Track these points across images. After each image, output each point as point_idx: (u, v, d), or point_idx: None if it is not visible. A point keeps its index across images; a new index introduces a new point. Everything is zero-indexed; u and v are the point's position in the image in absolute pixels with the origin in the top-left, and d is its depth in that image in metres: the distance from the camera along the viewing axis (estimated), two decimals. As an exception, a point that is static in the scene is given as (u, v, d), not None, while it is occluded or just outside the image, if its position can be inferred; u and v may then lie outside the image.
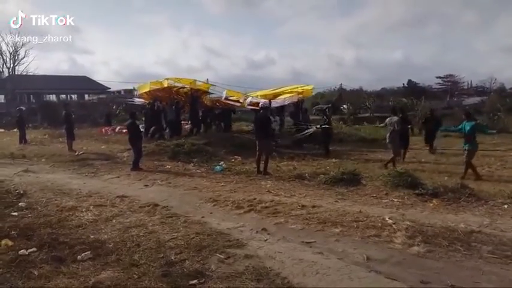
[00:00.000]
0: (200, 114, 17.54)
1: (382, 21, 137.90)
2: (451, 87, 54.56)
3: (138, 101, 21.38)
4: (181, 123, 17.11)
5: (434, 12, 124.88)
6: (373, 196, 7.22)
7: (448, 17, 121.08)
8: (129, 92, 46.69)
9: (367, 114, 32.03)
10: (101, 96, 44.53)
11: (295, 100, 16.53)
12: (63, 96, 47.30)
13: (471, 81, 58.10)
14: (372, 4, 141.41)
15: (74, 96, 48.18)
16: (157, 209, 6.39)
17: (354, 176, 8.35)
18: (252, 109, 16.31)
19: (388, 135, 10.50)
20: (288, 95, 16.66)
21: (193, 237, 4.87)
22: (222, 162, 11.11)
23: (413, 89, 45.37)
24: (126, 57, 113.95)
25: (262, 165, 9.68)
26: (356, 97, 38.76)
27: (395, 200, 6.87)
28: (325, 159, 12.14)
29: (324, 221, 5.63)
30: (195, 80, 16.48)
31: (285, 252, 4.43)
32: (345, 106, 34.50)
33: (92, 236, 5.04)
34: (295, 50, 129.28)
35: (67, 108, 15.61)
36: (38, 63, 57.46)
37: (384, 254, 4.41)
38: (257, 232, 5.20)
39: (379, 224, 5.37)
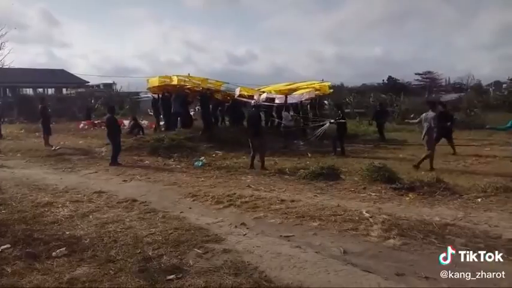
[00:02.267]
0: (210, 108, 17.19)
1: (363, 18, 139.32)
2: (430, 83, 55.39)
3: (144, 96, 20.87)
4: (190, 116, 16.73)
5: (414, 9, 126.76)
6: (351, 190, 7.32)
7: (427, 14, 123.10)
8: (109, 86, 46.02)
9: (347, 110, 32.28)
10: (79, 90, 43.59)
11: (313, 96, 16.37)
12: (40, 90, 46.09)
13: (449, 78, 59.21)
14: (352, 0, 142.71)
15: (51, 90, 47.03)
16: (135, 205, 6.35)
17: (333, 171, 8.45)
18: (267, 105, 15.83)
19: (423, 132, 9.47)
20: (306, 90, 16.31)
21: (171, 233, 4.85)
22: (202, 157, 11.06)
23: (393, 86, 45.91)
24: (106, 51, 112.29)
25: (258, 163, 9.68)
26: (337, 93, 39.02)
27: (372, 194, 6.98)
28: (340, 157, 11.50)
29: (303, 215, 5.69)
30: (206, 79, 15.93)
31: (264, 247, 4.46)
32: (326, 102, 34.66)
33: (67, 232, 4.98)
34: (277, 45, 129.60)
35: (43, 102, 15.28)
36: (14, 56, 55.57)
37: (360, 247, 4.49)
38: (236, 227, 5.22)
39: (357, 218, 5.46)
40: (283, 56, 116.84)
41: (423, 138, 9.54)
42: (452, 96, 36.52)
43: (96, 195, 7.03)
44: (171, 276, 3.66)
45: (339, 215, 5.59)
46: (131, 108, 28.78)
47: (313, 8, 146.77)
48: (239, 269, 3.81)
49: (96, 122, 20.79)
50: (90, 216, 5.68)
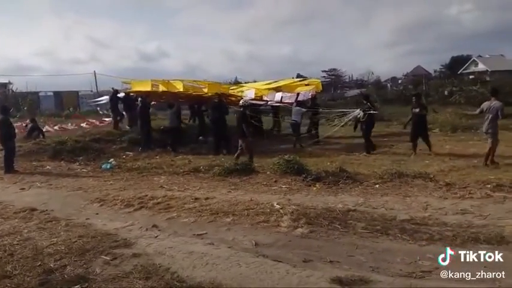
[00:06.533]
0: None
1: (273, 17, 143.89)
2: (335, 80, 59.05)
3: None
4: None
5: (319, 9, 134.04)
6: (263, 184, 7.53)
7: (331, 14, 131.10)
8: (4, 86, 41.55)
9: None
10: (-33, 91, 38.64)
11: (314, 93, 16.24)
12: None
13: (352, 75, 63.56)
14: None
15: None
16: (34, 214, 5.87)
17: (246, 166, 8.60)
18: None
19: (486, 124, 8.51)
20: (310, 87, 16.40)
21: (75, 241, 4.54)
22: (111, 160, 10.53)
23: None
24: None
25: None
26: (250, 89, 39.67)
27: (283, 186, 7.26)
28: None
29: (217, 211, 5.71)
30: (219, 83, 13.92)
31: (176, 247, 4.39)
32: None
33: (-46, 250, 4.42)
34: (190, 42, 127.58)
35: None
36: None
37: (271, 238, 4.65)
38: (147, 229, 5.08)
39: (268, 210, 5.60)
40: (197, 54, 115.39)
41: (486, 130, 8.60)
42: (355, 91, 39.35)
43: (-12, 206, 6.34)
44: (76, 287, 3.44)
45: (252, 209, 5.70)
46: (30, 109, 26.34)
47: (224, 6, 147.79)
48: (150, 272, 3.69)
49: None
50: (-18, 231, 5.10)
